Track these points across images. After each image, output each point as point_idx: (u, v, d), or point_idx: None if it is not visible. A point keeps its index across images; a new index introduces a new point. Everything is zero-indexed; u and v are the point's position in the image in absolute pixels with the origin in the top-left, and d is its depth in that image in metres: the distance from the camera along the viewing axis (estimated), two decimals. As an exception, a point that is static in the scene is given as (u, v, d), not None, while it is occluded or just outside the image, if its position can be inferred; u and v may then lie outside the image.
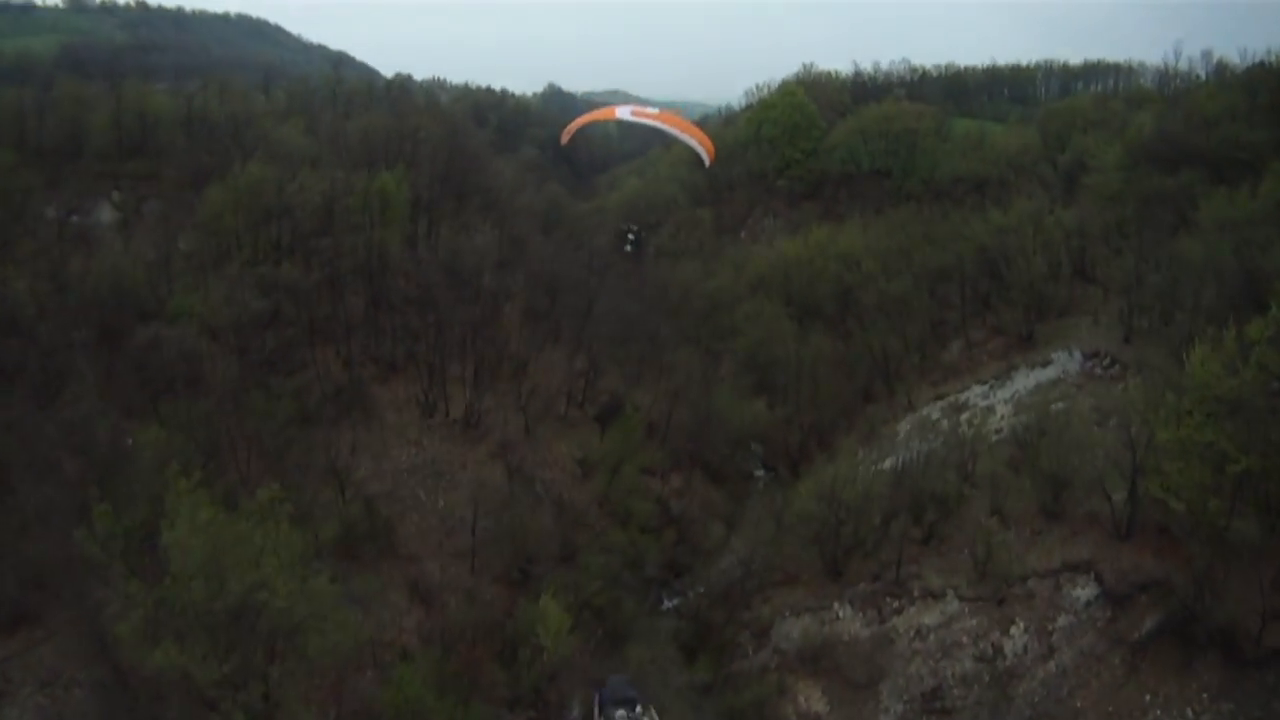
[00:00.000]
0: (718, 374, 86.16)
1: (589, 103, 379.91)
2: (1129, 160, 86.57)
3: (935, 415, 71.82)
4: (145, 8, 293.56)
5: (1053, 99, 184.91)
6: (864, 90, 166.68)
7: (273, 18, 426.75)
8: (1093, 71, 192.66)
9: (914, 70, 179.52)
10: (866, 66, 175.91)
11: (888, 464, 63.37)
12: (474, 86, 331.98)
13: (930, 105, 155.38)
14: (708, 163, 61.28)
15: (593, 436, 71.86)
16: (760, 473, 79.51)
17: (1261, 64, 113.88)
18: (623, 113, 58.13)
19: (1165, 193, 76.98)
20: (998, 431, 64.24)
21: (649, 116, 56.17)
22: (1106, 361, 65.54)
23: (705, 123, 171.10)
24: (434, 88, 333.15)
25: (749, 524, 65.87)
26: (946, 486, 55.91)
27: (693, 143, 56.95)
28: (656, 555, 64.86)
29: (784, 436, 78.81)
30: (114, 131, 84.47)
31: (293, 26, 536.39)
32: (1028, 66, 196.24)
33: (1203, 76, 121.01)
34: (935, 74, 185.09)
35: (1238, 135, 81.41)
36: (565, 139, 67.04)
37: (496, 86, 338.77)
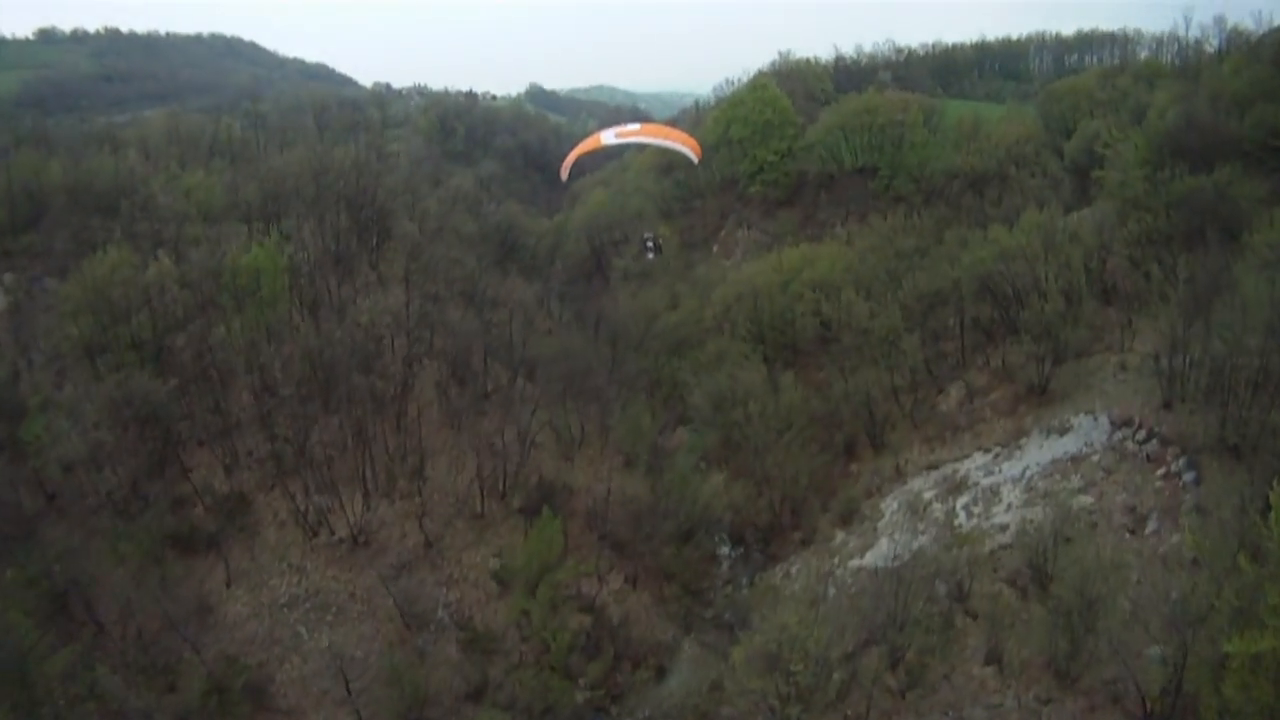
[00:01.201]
0: (675, 435, 74.93)
1: (572, 100, 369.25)
2: (1153, 154, 71.42)
3: (928, 493, 57.70)
4: (117, 34, 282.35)
5: (1047, 74, 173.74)
6: (847, 75, 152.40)
7: (248, 34, 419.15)
8: (1088, 42, 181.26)
9: (899, 51, 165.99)
10: (849, 50, 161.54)
11: (869, 558, 53.91)
12: (453, 91, 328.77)
13: (918, 93, 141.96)
14: (696, 161, 60.43)
15: (515, 537, 58.54)
16: (726, 550, 65.82)
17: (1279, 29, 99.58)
18: (607, 138, 54.70)
19: (1202, 198, 62.09)
20: (1003, 529, 50.70)
21: (631, 135, 55.76)
22: (1141, 436, 51.05)
23: (677, 120, 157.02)
24: (412, 95, 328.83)
25: (689, 662, 53.50)
26: (933, 613, 43.91)
27: (678, 147, 54.97)
28: (592, 677, 52.30)
29: (753, 508, 64.93)
30: (6, 204, 74.24)
31: (270, 41, 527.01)
32: (1019, 40, 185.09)
33: (1217, 46, 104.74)
34: (922, 53, 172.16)
35: (1277, 118, 66.64)
36: (564, 174, 62.27)
37: (480, 89, 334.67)
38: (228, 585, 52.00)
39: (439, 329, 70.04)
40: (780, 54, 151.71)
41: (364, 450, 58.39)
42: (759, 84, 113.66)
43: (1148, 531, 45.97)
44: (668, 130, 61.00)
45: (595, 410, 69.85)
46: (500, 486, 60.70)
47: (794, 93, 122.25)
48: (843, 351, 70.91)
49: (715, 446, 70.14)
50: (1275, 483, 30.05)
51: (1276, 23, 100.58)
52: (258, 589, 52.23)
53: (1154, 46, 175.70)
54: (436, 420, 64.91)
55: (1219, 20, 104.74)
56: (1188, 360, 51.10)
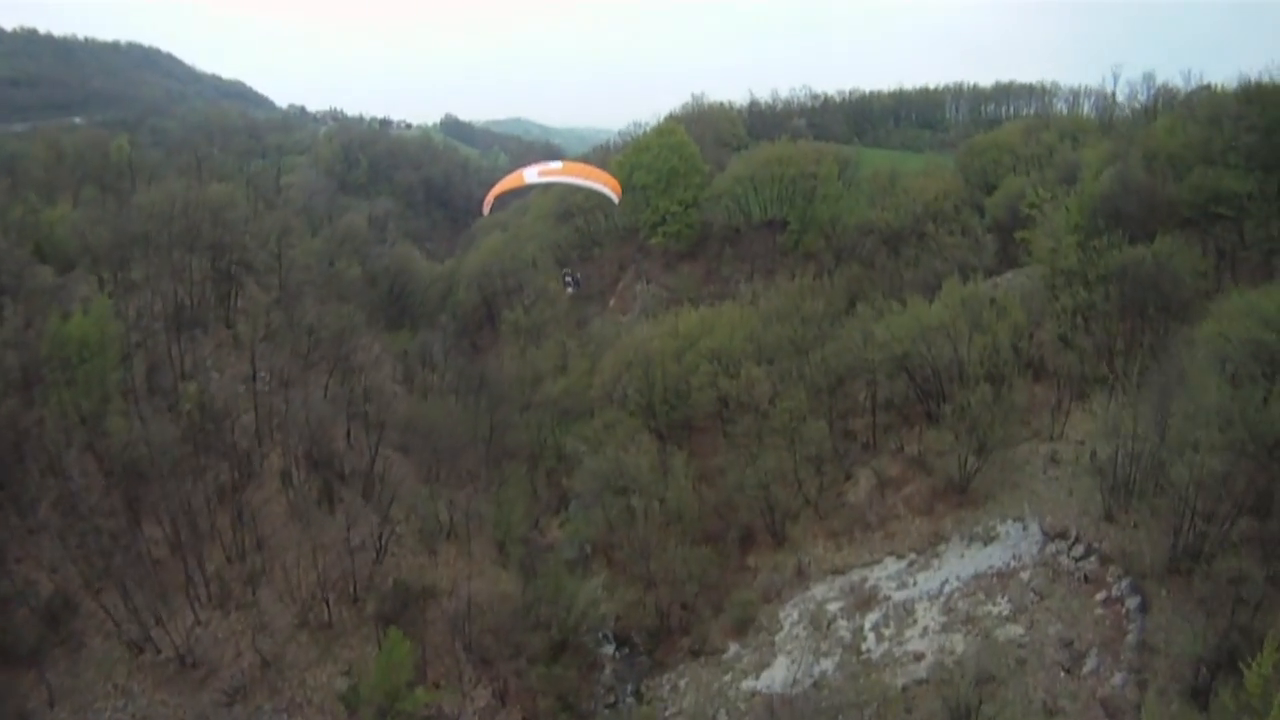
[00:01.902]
0: (556, 520, 66.19)
1: (486, 133, 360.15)
2: (1085, 219, 64.87)
3: (832, 605, 49.43)
4: (33, 35, 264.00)
5: (964, 124, 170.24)
6: (761, 120, 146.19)
7: (168, 46, 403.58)
8: (1004, 93, 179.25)
9: (815, 97, 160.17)
10: (764, 96, 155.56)
11: (764, 680, 46.85)
12: (367, 118, 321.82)
13: (833, 141, 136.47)
14: (616, 201, 58.16)
15: (368, 649, 48.65)
16: (611, 650, 56.61)
17: (1208, 86, 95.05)
18: (530, 175, 52.43)
19: (1142, 270, 55.28)
20: (918, 658, 42.99)
21: (554, 174, 54.50)
22: (1078, 551, 43.35)
23: (589, 157, 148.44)
24: (325, 119, 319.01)
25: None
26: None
27: (599, 188, 52.88)
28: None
29: (638, 612, 55.71)
30: None
31: (190, 54, 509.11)
32: (936, 90, 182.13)
33: (1144, 102, 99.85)
34: (839, 100, 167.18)
35: (1218, 183, 60.36)
36: (486, 209, 58.99)
37: (397, 116, 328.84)
38: (50, 705, 42.64)
39: (295, 401, 59.79)
40: (693, 96, 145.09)
41: (196, 551, 48.60)
42: (666, 129, 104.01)
43: (1085, 671, 38.93)
44: (590, 170, 57.76)
45: (467, 494, 60.99)
46: (352, 589, 50.87)
47: (704, 138, 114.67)
48: (741, 433, 62.16)
49: (601, 532, 60.88)
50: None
51: (1206, 80, 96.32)
52: (82, 711, 43.04)
53: (1071, 99, 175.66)
54: (282, 513, 54.86)
55: (1148, 77, 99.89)
56: (1131, 461, 43.45)
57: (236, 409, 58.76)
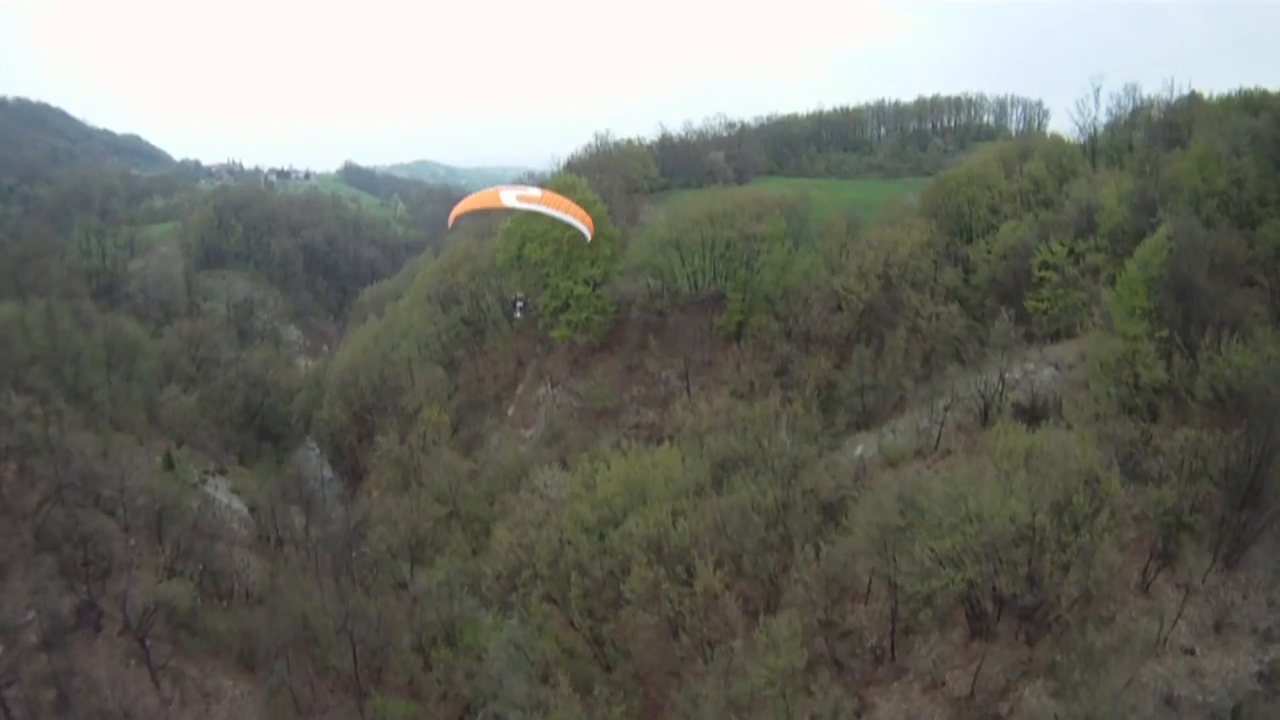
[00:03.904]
0: None
1: (389, 178, 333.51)
2: (1150, 299, 43.92)
3: None
4: None
5: (891, 142, 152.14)
6: (675, 156, 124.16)
7: (58, 101, 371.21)
8: (928, 108, 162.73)
9: (731, 126, 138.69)
10: (676, 128, 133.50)
11: None
12: (266, 169, 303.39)
13: (756, 176, 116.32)
14: (589, 239, 54.96)
15: None
16: None
17: (1195, 95, 76.00)
18: (507, 198, 48.48)
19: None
20: None
21: (532, 200, 49.65)
22: None
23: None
24: (221, 173, 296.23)
25: None
26: None
27: (573, 221, 49.78)
28: None
29: None
30: None
31: (81, 110, 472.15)
32: (856, 109, 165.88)
33: (1124, 115, 79.48)
34: (756, 126, 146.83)
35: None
36: (451, 223, 55.78)
37: (301, 164, 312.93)
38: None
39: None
40: (596, 136, 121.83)
41: None
42: (565, 183, 76.57)
43: None
44: (567, 203, 52.66)
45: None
46: None
47: (612, 188, 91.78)
48: (708, 693, 38.23)
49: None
50: None
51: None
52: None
53: (998, 110, 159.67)
54: None
55: (1130, 88, 79.11)
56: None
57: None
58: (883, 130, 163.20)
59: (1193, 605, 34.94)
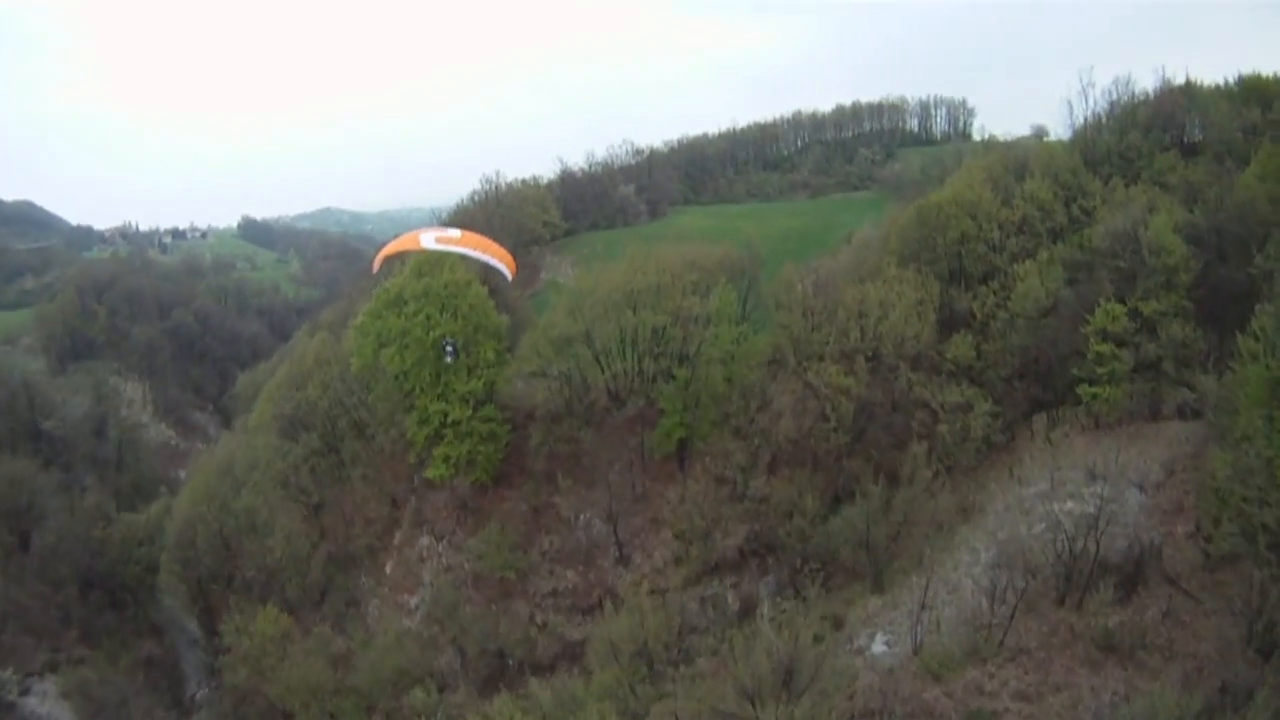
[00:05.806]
0: None
1: (289, 230, 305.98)
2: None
3: None
4: None
5: (811, 157, 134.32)
6: (578, 194, 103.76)
7: None
8: (848, 116, 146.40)
9: (640, 153, 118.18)
10: (577, 160, 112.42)
11: None
12: (163, 229, 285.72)
13: (674, 206, 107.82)
14: (510, 278, 42.08)
15: None
16: None
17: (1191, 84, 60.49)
18: (427, 241, 40.97)
19: None
20: None
21: (451, 242, 41.59)
22: None
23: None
24: (115, 237, 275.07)
25: None
26: None
27: (493, 262, 40.68)
28: None
29: None
30: None
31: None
32: (771, 123, 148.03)
33: (1111, 109, 60.96)
34: (667, 151, 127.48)
35: None
36: (376, 269, 46.72)
37: (200, 222, 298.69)
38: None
39: None
40: (483, 180, 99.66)
41: None
42: (431, 261, 51.32)
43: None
44: (487, 243, 41.60)
45: None
46: None
47: (502, 238, 69.79)
48: None
49: None
50: None
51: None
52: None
53: (921, 114, 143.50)
54: None
55: (1120, 81, 60.57)
56: None
57: None
58: (800, 143, 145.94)
59: None
